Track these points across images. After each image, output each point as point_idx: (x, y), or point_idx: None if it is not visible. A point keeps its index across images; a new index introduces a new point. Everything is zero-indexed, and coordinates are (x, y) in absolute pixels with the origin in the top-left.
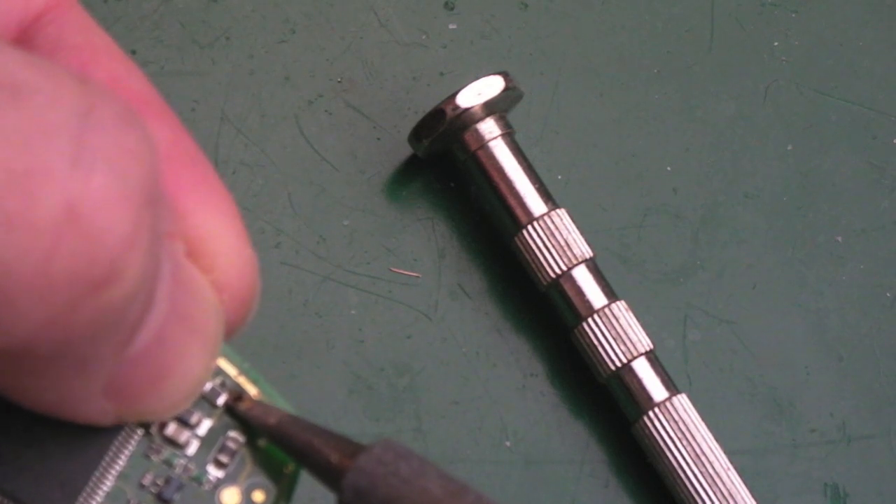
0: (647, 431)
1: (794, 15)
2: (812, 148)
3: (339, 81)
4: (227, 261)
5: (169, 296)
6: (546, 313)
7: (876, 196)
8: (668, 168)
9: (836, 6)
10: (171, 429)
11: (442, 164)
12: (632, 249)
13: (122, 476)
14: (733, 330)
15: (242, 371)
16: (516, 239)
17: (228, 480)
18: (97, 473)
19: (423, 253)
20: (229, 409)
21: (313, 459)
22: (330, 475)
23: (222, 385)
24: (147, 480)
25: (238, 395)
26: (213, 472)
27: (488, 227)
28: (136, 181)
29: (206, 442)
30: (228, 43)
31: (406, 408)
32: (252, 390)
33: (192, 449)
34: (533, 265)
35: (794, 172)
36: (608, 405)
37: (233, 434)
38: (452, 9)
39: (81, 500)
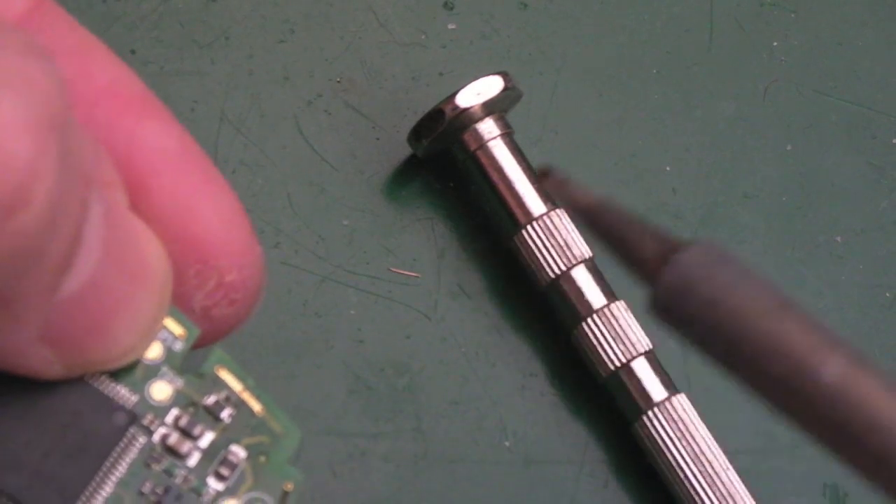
0: (646, 431)
1: (793, 15)
2: (812, 148)
3: (338, 81)
4: (233, 256)
5: (102, 242)
6: (546, 313)
7: (876, 196)
8: (668, 168)
9: (836, 6)
10: (174, 439)
11: (441, 164)
12: None
13: (121, 482)
14: None
15: (247, 387)
16: (516, 239)
17: (228, 494)
18: (97, 478)
19: (422, 253)
20: (542, 177)
21: (627, 251)
22: (643, 270)
23: (227, 399)
24: (146, 488)
25: (547, 169)
26: (213, 485)
27: (488, 227)
28: (41, 108)
29: (208, 454)
30: (228, 43)
31: (405, 408)
32: (256, 406)
33: (194, 460)
34: (532, 265)
35: (794, 172)
36: (608, 405)
37: (234, 448)
38: (452, 9)
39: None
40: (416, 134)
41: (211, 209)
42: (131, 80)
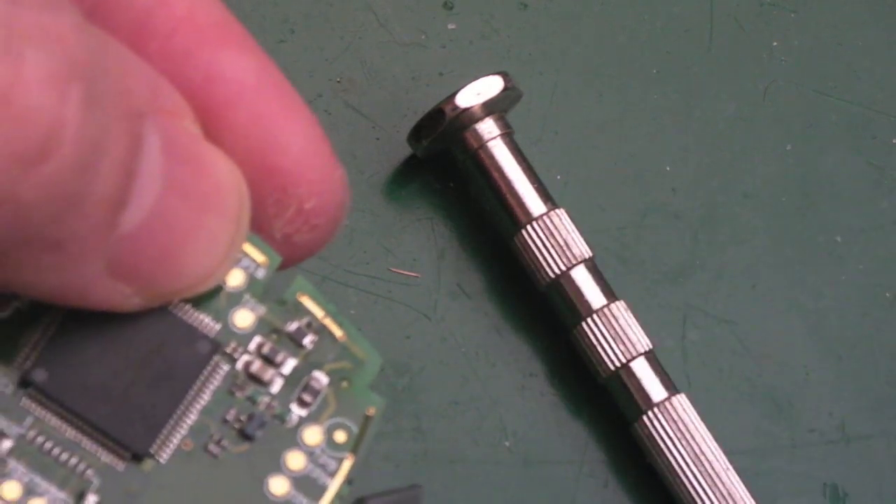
0: (646, 431)
1: (793, 15)
2: (811, 148)
3: (338, 81)
4: (312, 185)
5: (163, 173)
6: (545, 313)
7: (876, 196)
8: (668, 168)
9: (836, 6)
10: (256, 366)
11: (441, 164)
12: (631, 249)
13: (205, 411)
14: (732, 330)
15: (329, 313)
16: (516, 239)
17: (311, 419)
18: (181, 407)
19: (422, 253)
20: None
21: None
22: None
23: (308, 326)
24: (231, 416)
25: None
26: (297, 411)
27: (488, 226)
28: (60, 59)
29: (290, 381)
30: None
31: (405, 408)
32: (338, 332)
33: (277, 387)
34: (532, 265)
35: (794, 172)
36: (607, 405)
37: (317, 374)
38: (451, 9)
39: (165, 432)
40: (416, 134)
41: (290, 138)
42: (211, 7)
